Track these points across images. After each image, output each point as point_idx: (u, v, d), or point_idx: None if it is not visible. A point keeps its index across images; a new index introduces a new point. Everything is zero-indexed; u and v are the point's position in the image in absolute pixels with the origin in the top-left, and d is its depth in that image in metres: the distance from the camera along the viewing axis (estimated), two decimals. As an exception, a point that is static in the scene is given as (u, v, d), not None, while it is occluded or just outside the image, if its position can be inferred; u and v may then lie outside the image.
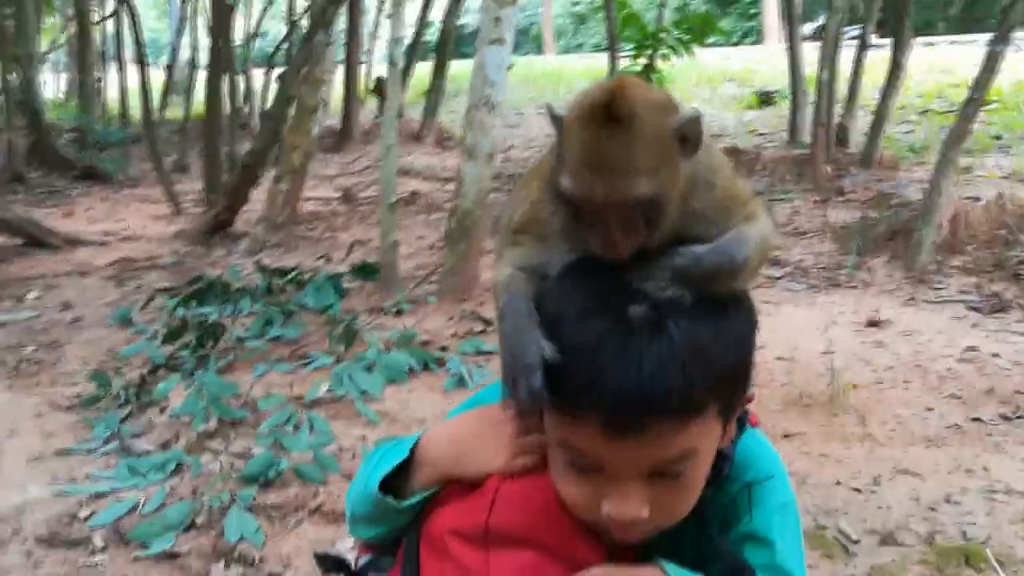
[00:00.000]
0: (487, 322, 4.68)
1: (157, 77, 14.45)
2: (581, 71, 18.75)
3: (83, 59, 13.42)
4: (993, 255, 5.65)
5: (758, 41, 30.08)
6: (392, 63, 5.88)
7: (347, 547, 2.49)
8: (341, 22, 10.97)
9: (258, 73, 15.08)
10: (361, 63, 14.14)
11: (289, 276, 5.40)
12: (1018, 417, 3.57)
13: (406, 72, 13.47)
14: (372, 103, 14.69)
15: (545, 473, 1.05)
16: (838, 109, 9.65)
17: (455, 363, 4.09)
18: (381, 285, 5.51)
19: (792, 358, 4.26)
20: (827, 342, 4.13)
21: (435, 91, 13.38)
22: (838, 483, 3.02)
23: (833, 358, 3.98)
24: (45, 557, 2.60)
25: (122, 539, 2.69)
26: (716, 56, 18.79)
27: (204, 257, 6.88)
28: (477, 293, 5.17)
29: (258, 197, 8.08)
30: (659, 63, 7.56)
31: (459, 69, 15.66)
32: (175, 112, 14.91)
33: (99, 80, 14.21)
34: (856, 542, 2.65)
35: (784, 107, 12.54)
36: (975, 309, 4.98)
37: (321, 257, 6.16)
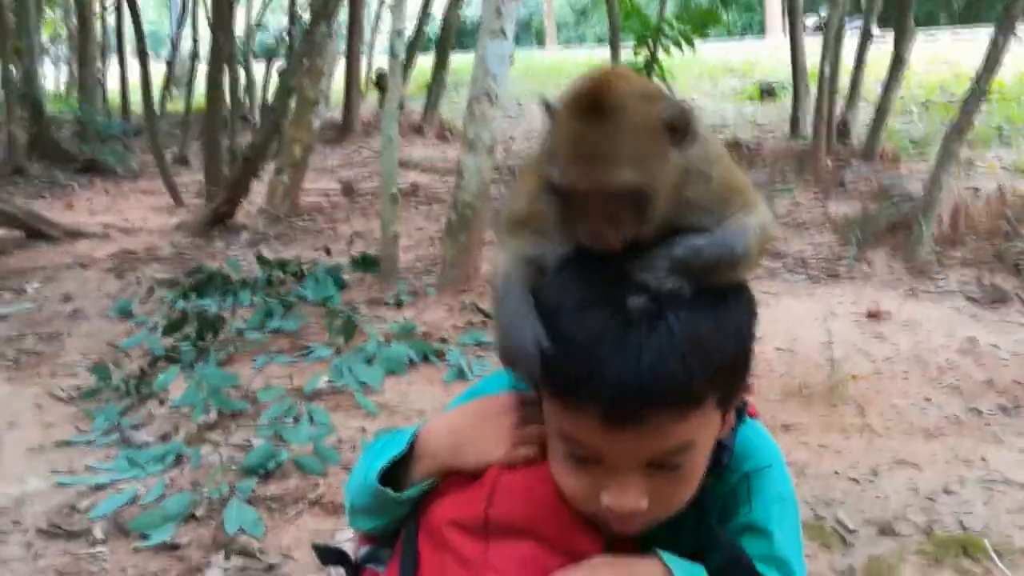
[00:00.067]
0: (487, 314, 4.68)
1: (158, 70, 14.45)
2: (582, 64, 18.72)
3: (84, 51, 13.37)
4: (993, 247, 5.65)
5: (760, 34, 30.02)
6: (393, 55, 5.87)
7: (347, 538, 2.49)
8: (342, 14, 10.93)
9: (259, 66, 15.06)
10: (362, 55, 14.10)
11: (289, 268, 5.40)
12: (1016, 408, 3.58)
13: (407, 64, 13.44)
14: (373, 96, 14.67)
15: (544, 464, 1.06)
16: (839, 102, 9.63)
17: (455, 355, 4.10)
18: (381, 277, 5.51)
19: (792, 349, 4.26)
20: (827, 333, 4.14)
21: (436, 83, 13.35)
22: (837, 474, 3.03)
23: (832, 349, 3.98)
24: (45, 548, 2.61)
25: (122, 530, 2.69)
26: (718, 49, 18.78)
27: (204, 249, 6.88)
28: (477, 285, 5.17)
29: (258, 189, 8.07)
30: (661, 56, 7.54)
31: (460, 62, 15.64)
32: (176, 105, 14.91)
33: (100, 73, 14.18)
34: (854, 532, 2.65)
35: (785, 100, 12.52)
36: (975, 301, 4.98)
37: (321, 249, 6.15)
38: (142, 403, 3.70)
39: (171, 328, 4.33)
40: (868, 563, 2.50)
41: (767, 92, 14.32)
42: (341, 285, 5.34)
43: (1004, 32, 5.66)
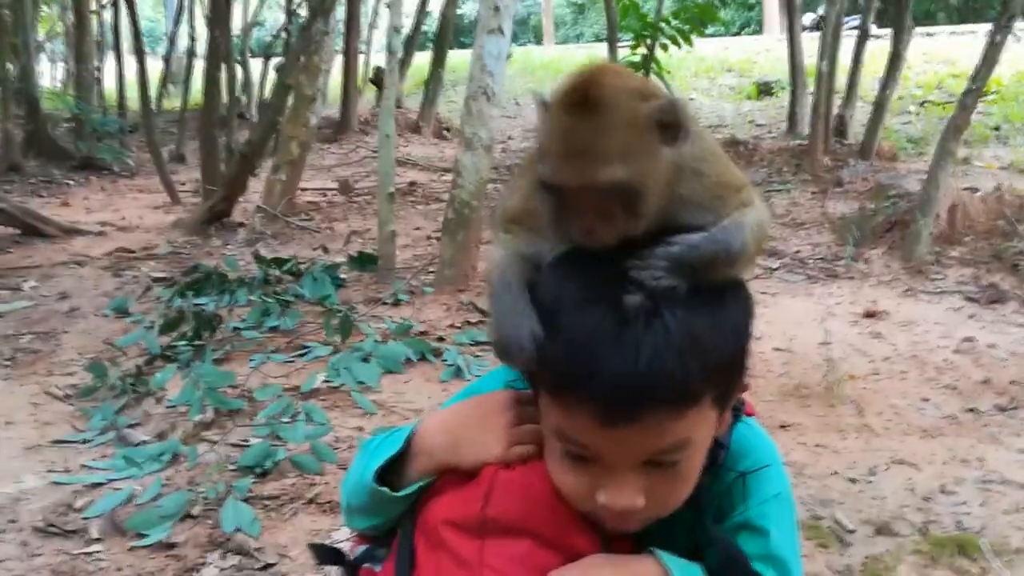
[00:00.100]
0: (485, 313, 4.68)
1: (155, 67, 14.41)
2: (580, 61, 18.68)
3: (80, 48, 13.34)
4: (991, 246, 5.65)
5: (758, 31, 30.02)
6: (391, 53, 5.86)
7: (344, 538, 2.49)
8: (339, 11, 10.92)
9: (256, 63, 15.04)
10: (360, 53, 14.09)
11: (286, 266, 5.39)
12: (1014, 408, 3.58)
13: (404, 62, 13.44)
14: (370, 93, 14.66)
15: (541, 463, 1.05)
16: (837, 100, 9.64)
17: (452, 354, 4.09)
18: (378, 276, 5.50)
19: (789, 349, 4.27)
20: (824, 333, 4.14)
21: (433, 81, 13.35)
22: (834, 473, 3.03)
23: (830, 349, 3.98)
24: (41, 547, 2.60)
25: (118, 529, 2.68)
26: (716, 46, 18.77)
27: (201, 247, 6.87)
28: (475, 284, 5.17)
29: (256, 187, 8.07)
30: (658, 53, 7.52)
31: (458, 59, 15.63)
32: (173, 102, 14.87)
33: (97, 70, 14.14)
34: (851, 532, 2.65)
35: (783, 98, 12.53)
36: (972, 300, 4.99)
37: (318, 247, 6.14)
38: (139, 402, 3.69)
39: (168, 326, 4.32)
40: (865, 563, 2.50)
41: (765, 90, 14.33)
42: (338, 284, 5.33)
43: (1002, 30, 5.66)
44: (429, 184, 9.53)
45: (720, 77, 16.36)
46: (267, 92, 10.74)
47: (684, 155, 1.00)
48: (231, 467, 3.04)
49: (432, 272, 5.47)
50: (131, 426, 3.44)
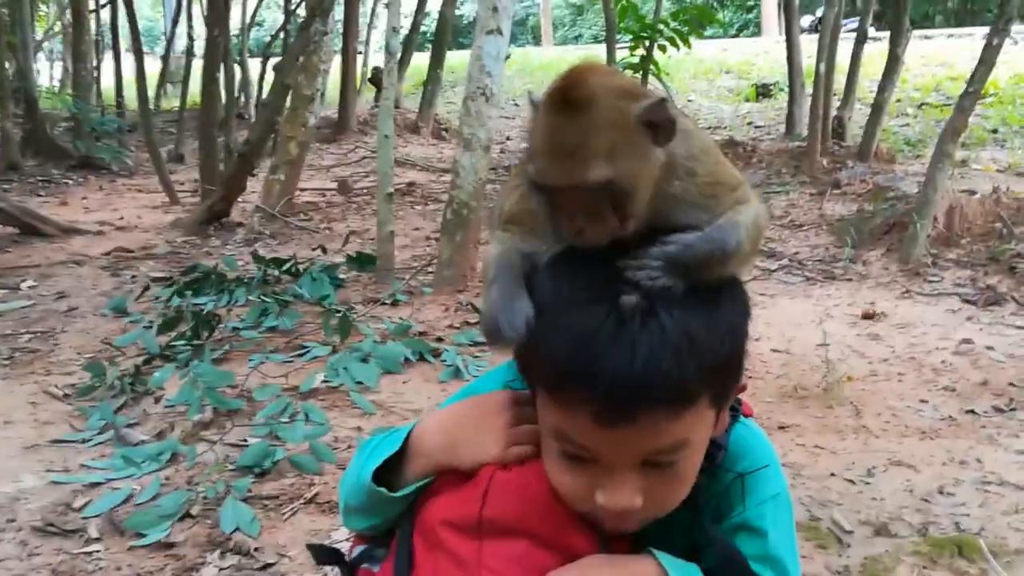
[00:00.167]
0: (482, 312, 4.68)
1: (153, 66, 14.40)
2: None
3: (78, 47, 13.31)
4: (988, 248, 5.66)
5: (756, 33, 30.05)
6: (389, 53, 5.85)
7: (343, 538, 2.49)
8: (338, 11, 10.92)
9: (254, 63, 15.02)
10: (358, 53, 14.09)
11: (285, 266, 5.39)
12: (1011, 409, 3.58)
13: (403, 62, 13.45)
14: (369, 93, 14.66)
15: (539, 463, 1.06)
16: (835, 102, 9.65)
17: (451, 354, 4.09)
18: (377, 276, 5.50)
19: (787, 350, 4.27)
20: (822, 334, 4.14)
21: (432, 81, 13.35)
22: (832, 475, 3.03)
23: (828, 350, 3.98)
24: (40, 547, 2.60)
25: (117, 529, 2.68)
26: (714, 48, 18.80)
27: (200, 247, 6.87)
28: (473, 284, 5.17)
29: (254, 187, 8.07)
30: (657, 55, 7.53)
31: (456, 59, 15.64)
32: (171, 102, 14.86)
33: (95, 69, 14.12)
34: (850, 533, 2.65)
35: (781, 100, 12.56)
36: (970, 302, 4.99)
37: (317, 247, 6.14)
38: (137, 401, 3.69)
39: (166, 326, 4.31)
40: (864, 564, 2.50)
41: (763, 92, 14.35)
42: (337, 284, 5.33)
43: (999, 33, 5.67)
44: (428, 184, 9.53)
45: (718, 79, 16.38)
46: (266, 92, 10.72)
47: (675, 154, 1.00)
48: (230, 467, 3.04)
49: (431, 272, 5.47)
50: (130, 426, 3.43)
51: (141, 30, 10.46)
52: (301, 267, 5.40)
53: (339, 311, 4.54)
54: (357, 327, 4.39)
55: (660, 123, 0.97)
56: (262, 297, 4.81)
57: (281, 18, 15.07)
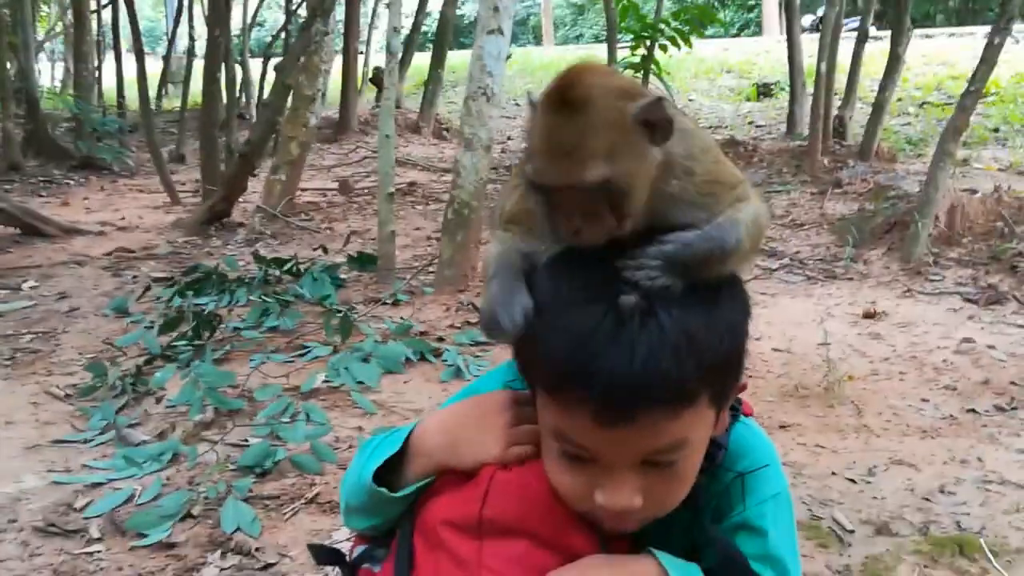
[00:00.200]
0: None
1: (154, 67, 14.41)
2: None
3: (79, 48, 13.33)
4: (989, 247, 5.66)
5: (757, 33, 30.04)
6: (390, 53, 5.86)
7: (343, 538, 2.49)
8: (339, 11, 10.92)
9: (255, 63, 15.04)
10: (359, 53, 14.09)
11: (286, 266, 5.39)
12: (1013, 408, 3.58)
13: (404, 62, 13.44)
14: (370, 93, 14.66)
15: (539, 463, 1.06)
16: (836, 101, 9.65)
17: (452, 354, 4.09)
18: (378, 276, 5.51)
19: (788, 349, 4.27)
20: (823, 334, 4.14)
21: (433, 81, 13.35)
22: (833, 474, 3.03)
23: (829, 350, 3.98)
24: (41, 547, 2.60)
25: (118, 529, 2.68)
26: (715, 48, 18.80)
27: (201, 247, 6.87)
28: (474, 284, 5.17)
29: (255, 187, 8.07)
30: (658, 54, 7.53)
31: (457, 59, 15.64)
32: (172, 102, 14.87)
33: (96, 69, 14.14)
34: (851, 532, 2.65)
35: (783, 99, 12.56)
36: (971, 301, 4.99)
37: (318, 247, 6.14)
38: (138, 401, 3.69)
39: (167, 326, 4.32)
40: (865, 563, 2.50)
41: (764, 92, 14.35)
42: (338, 284, 5.33)
43: (1000, 32, 5.67)
44: (429, 184, 9.53)
45: (719, 78, 16.38)
46: (267, 92, 10.72)
47: (673, 153, 1.00)
48: (231, 467, 3.04)
49: (432, 272, 5.47)
50: (131, 426, 3.44)
51: (142, 30, 10.47)
52: (302, 267, 5.40)
53: (340, 311, 4.54)
54: (358, 327, 4.39)
55: (657, 122, 0.97)
56: (263, 297, 4.81)
57: (282, 18, 15.08)
